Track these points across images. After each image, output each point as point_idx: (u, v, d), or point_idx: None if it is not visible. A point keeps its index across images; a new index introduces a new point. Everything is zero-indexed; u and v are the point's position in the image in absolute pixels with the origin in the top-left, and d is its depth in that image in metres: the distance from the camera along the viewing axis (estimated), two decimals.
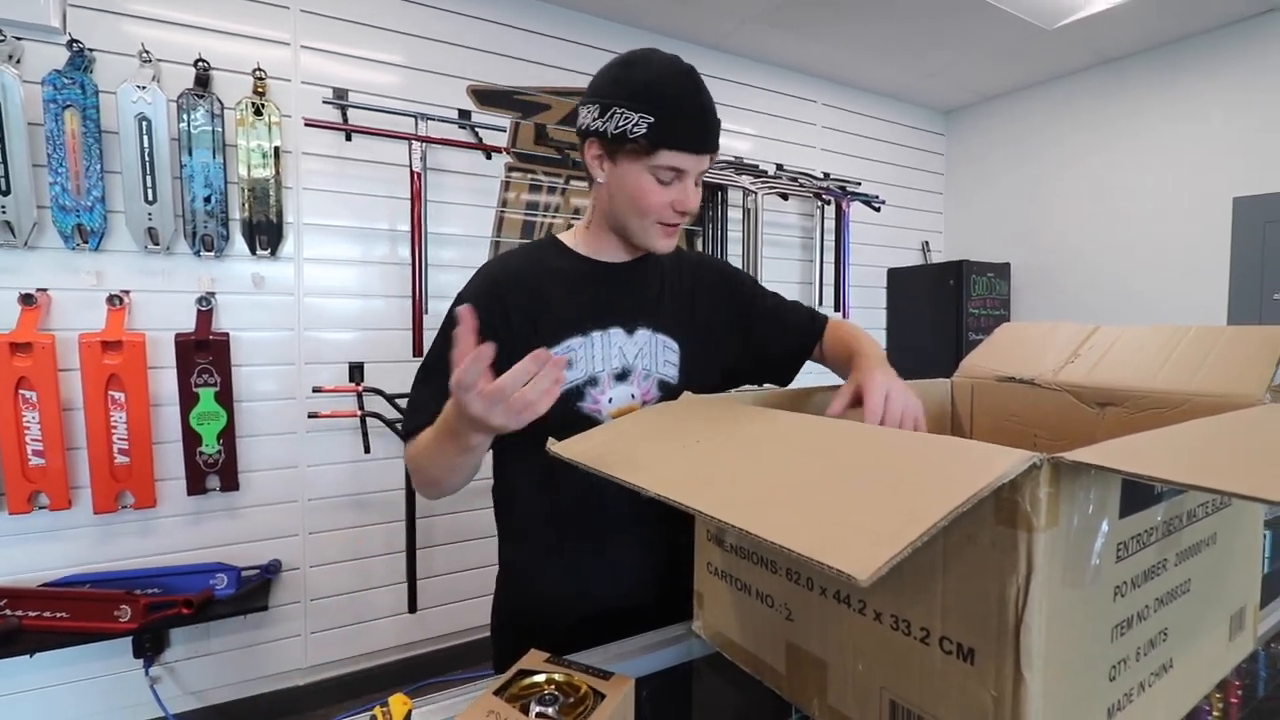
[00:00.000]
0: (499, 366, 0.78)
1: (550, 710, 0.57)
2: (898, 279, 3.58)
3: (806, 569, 0.63)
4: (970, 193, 3.73)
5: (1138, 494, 0.52)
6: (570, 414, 0.91)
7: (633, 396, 0.94)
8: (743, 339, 1.04)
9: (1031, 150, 3.42)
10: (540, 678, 0.62)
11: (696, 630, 0.84)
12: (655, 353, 0.96)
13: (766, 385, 1.10)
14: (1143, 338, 0.94)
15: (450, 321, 0.93)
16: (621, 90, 0.85)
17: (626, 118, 0.83)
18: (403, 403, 2.24)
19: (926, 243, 3.77)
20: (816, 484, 0.50)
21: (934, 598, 0.51)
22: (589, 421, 0.90)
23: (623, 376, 0.94)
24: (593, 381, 0.92)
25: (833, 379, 0.99)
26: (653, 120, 0.83)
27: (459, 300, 0.93)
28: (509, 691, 0.61)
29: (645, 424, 0.78)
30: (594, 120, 0.86)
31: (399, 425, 2.23)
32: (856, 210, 3.30)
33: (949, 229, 3.84)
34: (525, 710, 0.56)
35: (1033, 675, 0.45)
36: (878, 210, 3.36)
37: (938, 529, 0.37)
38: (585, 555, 0.96)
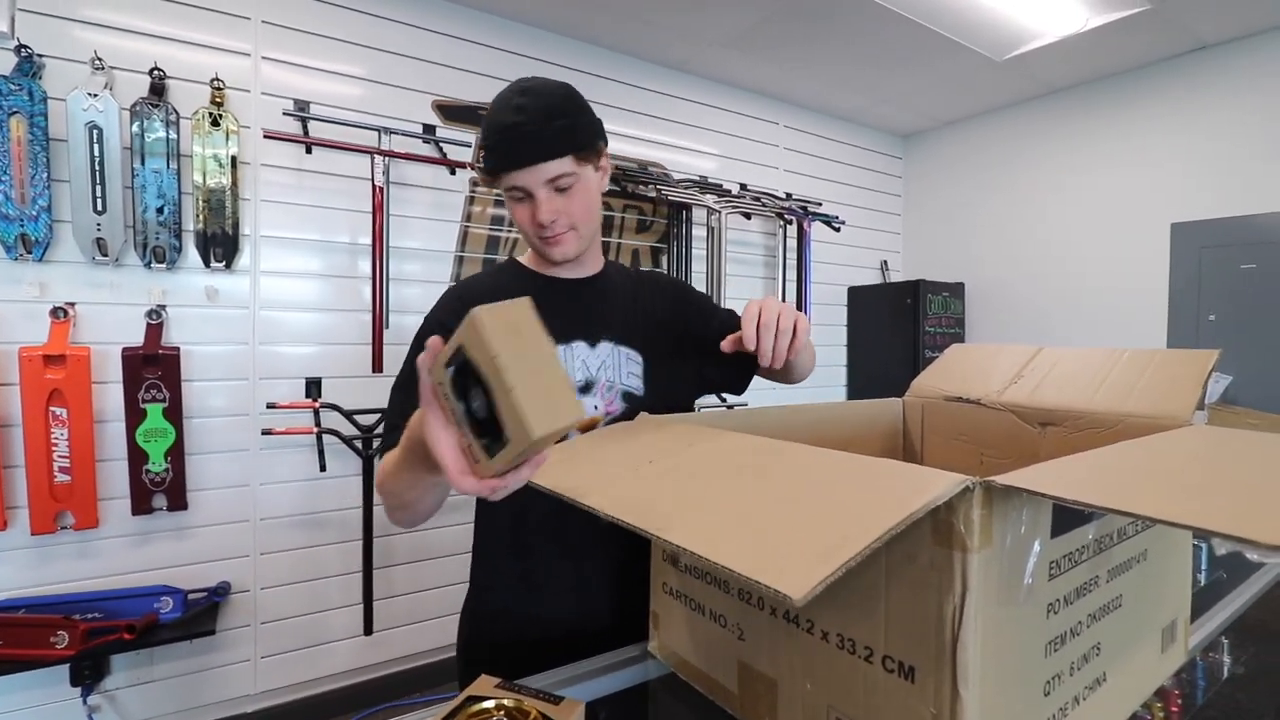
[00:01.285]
0: None
1: None
2: (858, 297, 3.67)
3: (757, 588, 0.64)
4: (926, 214, 3.86)
5: (1069, 513, 0.55)
6: None
7: (595, 408, 0.95)
8: (702, 351, 1.05)
9: (984, 174, 3.55)
10: (490, 704, 0.62)
11: (652, 650, 0.84)
12: (618, 365, 0.97)
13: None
14: (1082, 360, 0.98)
15: (419, 337, 0.93)
16: (481, 129, 0.92)
17: (481, 150, 0.91)
18: (361, 419, 2.20)
19: (885, 262, 3.87)
20: (761, 504, 0.51)
21: (877, 617, 0.52)
22: None
23: (586, 389, 0.94)
24: None
25: (790, 396, 1.01)
26: (484, 150, 0.89)
27: (426, 320, 0.94)
28: (457, 718, 0.60)
29: (599, 445, 0.78)
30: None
31: (357, 442, 2.18)
32: (818, 230, 3.38)
33: (906, 249, 3.96)
34: None
35: (969, 692, 0.47)
36: (838, 230, 3.44)
37: (871, 549, 0.38)
38: (549, 575, 0.96)
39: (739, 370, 1.08)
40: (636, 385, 0.98)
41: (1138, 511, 0.37)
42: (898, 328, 3.38)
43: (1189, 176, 2.84)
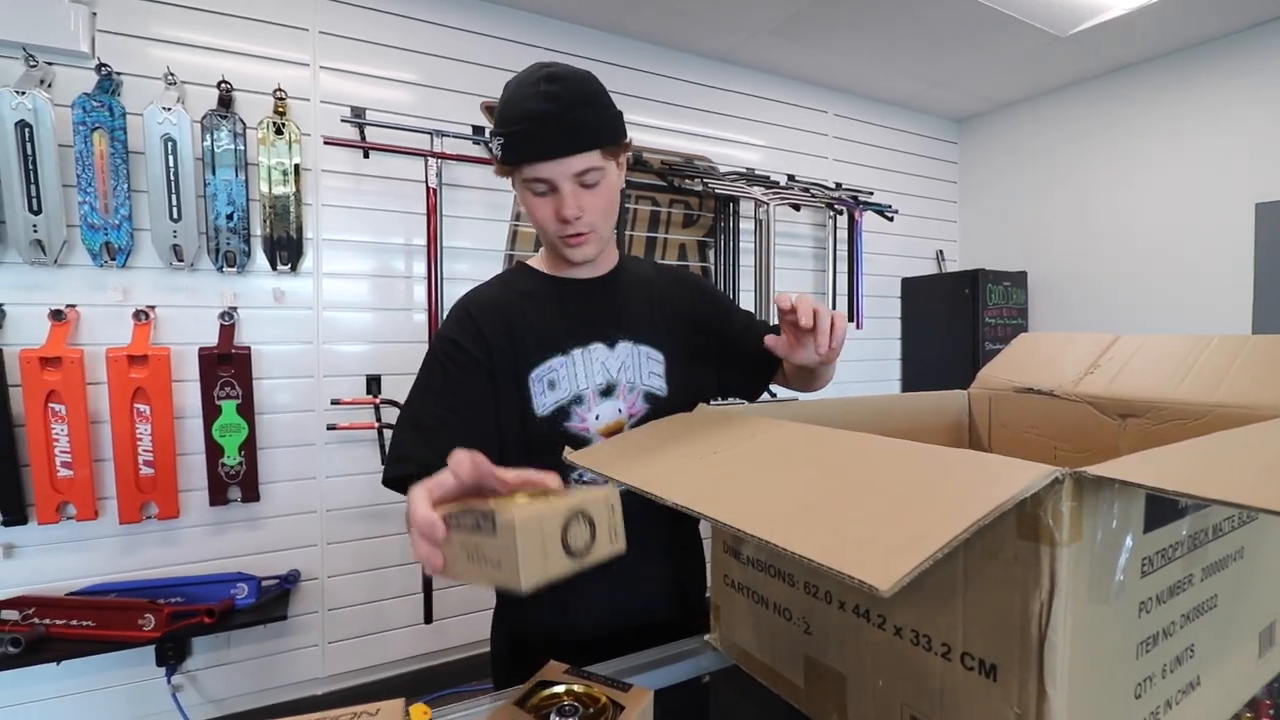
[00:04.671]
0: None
1: None
2: (912, 289, 3.56)
3: (825, 582, 0.63)
4: (985, 201, 3.71)
5: (1162, 508, 0.52)
6: (558, 434, 0.89)
7: (619, 411, 0.93)
8: (722, 350, 1.03)
9: (1047, 158, 3.40)
10: (560, 689, 0.63)
11: (712, 642, 0.84)
12: (639, 365, 0.95)
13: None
14: (1165, 348, 0.93)
15: (426, 364, 0.92)
16: (495, 115, 0.86)
17: (497, 139, 0.84)
18: None
19: (941, 252, 3.75)
20: (835, 495, 0.50)
21: (955, 613, 0.51)
22: (578, 441, 0.89)
23: (608, 392, 0.92)
24: (578, 400, 0.91)
25: (843, 392, 0.99)
26: (503, 140, 0.83)
27: (439, 336, 0.93)
28: (529, 702, 0.61)
29: (660, 435, 0.78)
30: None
31: None
32: (869, 220, 3.30)
33: (964, 238, 3.82)
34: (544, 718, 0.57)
35: (1057, 692, 0.45)
36: (891, 220, 3.35)
37: (959, 542, 0.37)
38: (593, 577, 0.95)
39: (758, 374, 1.04)
40: (659, 385, 0.95)
41: (1251, 503, 0.35)
42: (955, 320, 3.27)
43: (1276, 152, 2.65)
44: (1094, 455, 0.88)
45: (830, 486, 0.52)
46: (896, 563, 0.35)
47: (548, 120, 0.80)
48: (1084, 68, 3.08)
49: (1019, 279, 3.36)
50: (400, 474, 0.82)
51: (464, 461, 0.56)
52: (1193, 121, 2.87)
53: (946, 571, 0.50)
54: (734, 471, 0.59)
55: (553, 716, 0.58)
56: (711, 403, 0.97)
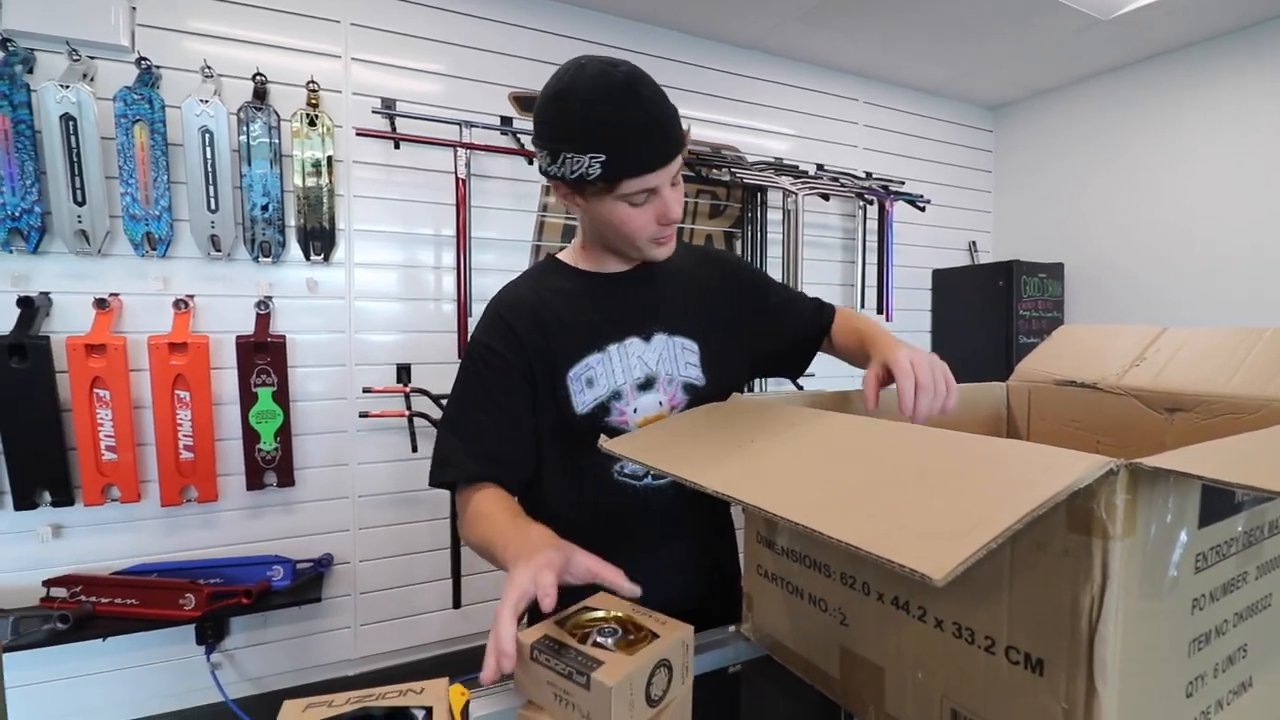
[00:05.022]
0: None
1: (609, 641, 0.58)
2: (943, 280, 3.50)
3: (863, 573, 0.63)
4: (1020, 191, 3.62)
5: (1217, 503, 0.50)
6: (597, 430, 0.89)
7: (660, 404, 0.93)
8: (758, 330, 1.02)
9: (1086, 146, 3.30)
10: (601, 612, 0.65)
11: (745, 632, 0.83)
12: (675, 356, 0.94)
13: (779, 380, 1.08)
14: (1214, 340, 0.90)
15: (464, 370, 0.92)
16: (562, 133, 0.78)
17: (578, 161, 0.77)
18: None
19: (974, 242, 3.67)
20: (881, 484, 0.49)
21: (1000, 606, 0.50)
22: (617, 435, 0.89)
23: (646, 386, 0.92)
24: (616, 395, 0.91)
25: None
26: (604, 158, 0.76)
27: (473, 340, 0.93)
28: (571, 622, 0.63)
29: (697, 424, 0.78)
30: (549, 165, 0.81)
31: None
32: (900, 210, 3.24)
33: (998, 228, 3.74)
34: (584, 640, 0.58)
35: (1107, 688, 0.44)
36: (923, 210, 3.29)
37: (1012, 532, 0.36)
38: (624, 566, 0.95)
39: (801, 350, 1.04)
40: (696, 375, 0.95)
41: None
42: (988, 312, 3.20)
43: None
44: (1138, 450, 0.85)
45: (875, 476, 0.51)
46: (949, 552, 0.35)
47: (655, 129, 0.78)
48: (1128, 52, 2.98)
49: (1055, 270, 3.28)
50: (445, 480, 0.86)
51: (547, 596, 0.59)
52: (1245, 106, 2.76)
53: (992, 564, 0.49)
54: (774, 461, 0.58)
55: (594, 636, 0.59)
56: (746, 389, 0.96)
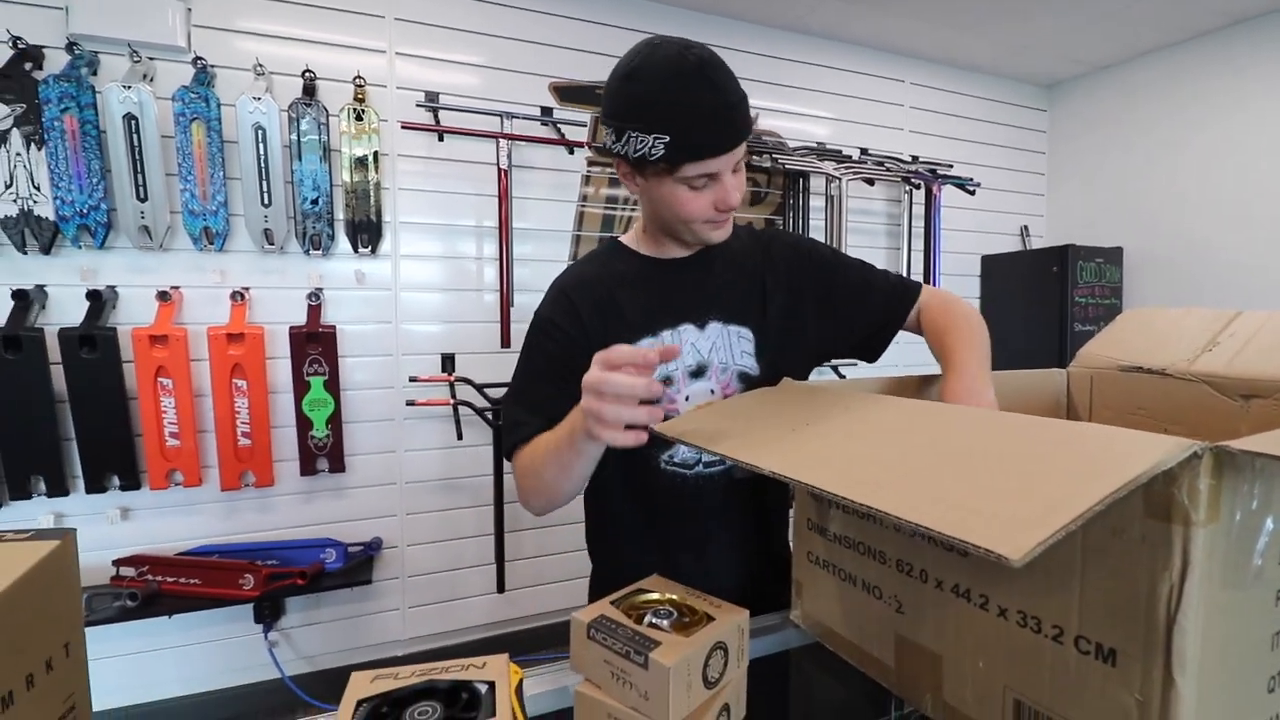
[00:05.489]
0: (581, 366, 0.81)
1: (664, 623, 0.59)
2: (993, 266, 3.38)
3: (920, 559, 0.62)
4: (1076, 173, 3.47)
5: None
6: None
7: (712, 392, 0.93)
8: (824, 315, 0.99)
9: (1149, 124, 3.14)
10: (655, 595, 0.65)
11: (795, 619, 0.83)
12: (730, 344, 0.94)
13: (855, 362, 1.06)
14: None
15: (528, 347, 0.94)
16: (630, 111, 0.79)
17: (642, 140, 0.78)
18: (491, 392, 2.33)
19: (1026, 227, 3.54)
20: (945, 467, 0.48)
21: (1069, 594, 0.48)
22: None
23: (699, 373, 0.92)
24: (667, 381, 0.91)
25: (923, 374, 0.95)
26: (668, 139, 0.77)
27: (537, 315, 0.94)
28: (627, 602, 0.63)
29: (748, 406, 0.77)
30: (613, 143, 0.82)
31: (487, 414, 2.31)
32: (948, 194, 3.15)
33: (1051, 212, 3.60)
34: (639, 621, 0.59)
35: (1185, 680, 0.42)
36: (972, 194, 3.18)
37: (1092, 514, 0.35)
38: (676, 555, 0.96)
39: (875, 337, 1.00)
40: (750, 364, 0.94)
41: None
42: (1041, 299, 3.09)
43: None
44: (1212, 438, 0.81)
45: (939, 458, 0.50)
46: (1026, 534, 0.34)
47: (721, 113, 0.78)
48: (1193, 23, 2.82)
49: (1113, 255, 3.14)
50: (521, 438, 0.86)
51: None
52: None
53: (1063, 551, 0.48)
54: (831, 442, 0.58)
55: (649, 617, 0.60)
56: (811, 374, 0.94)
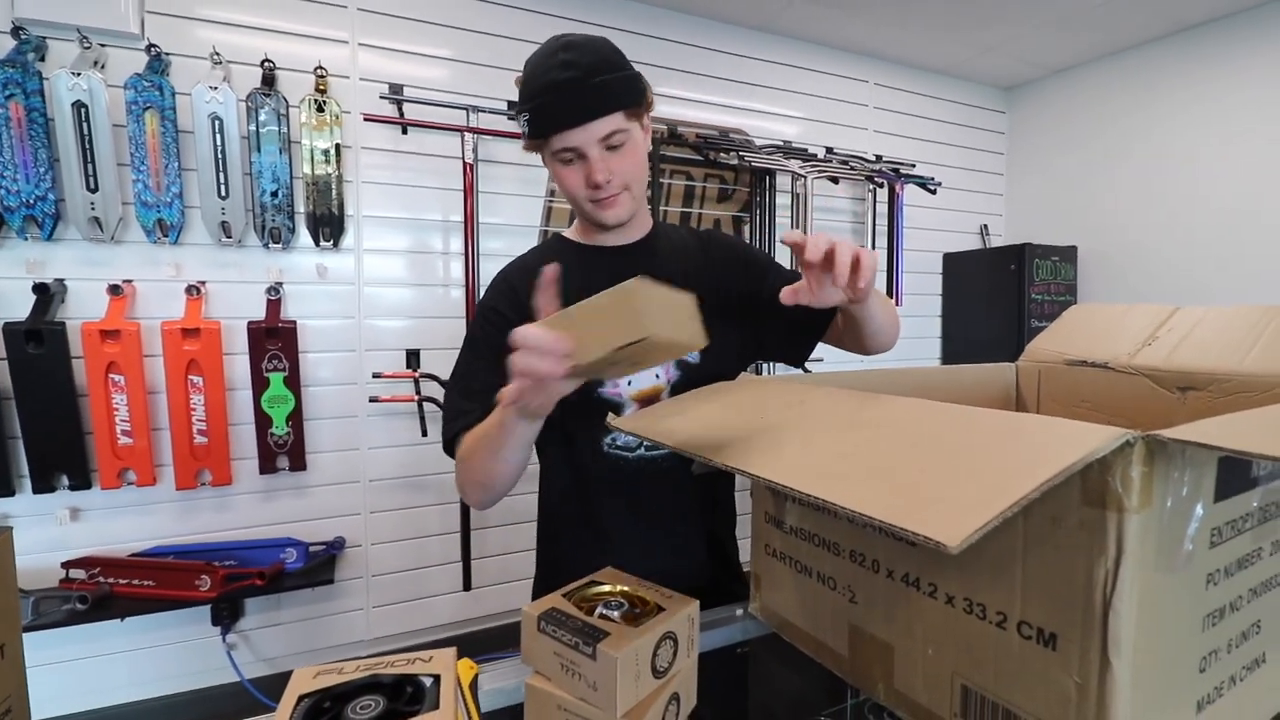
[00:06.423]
0: None
1: (615, 615, 0.59)
2: (954, 264, 3.46)
3: (873, 550, 0.63)
4: (1034, 173, 3.57)
5: (1233, 478, 0.50)
6: (591, 400, 0.92)
7: (656, 377, 0.94)
8: (754, 316, 0.99)
9: (1102, 127, 3.24)
10: (606, 587, 0.66)
11: (753, 611, 0.84)
12: None
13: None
14: (1229, 318, 0.89)
15: (471, 334, 0.96)
16: (519, 93, 0.87)
17: (523, 118, 0.85)
18: None
19: (985, 226, 3.63)
20: (894, 457, 0.49)
21: (1012, 581, 0.50)
22: (610, 405, 0.92)
23: None
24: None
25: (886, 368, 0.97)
26: (528, 114, 0.84)
27: (480, 305, 0.96)
28: (579, 595, 0.63)
29: (702, 401, 0.78)
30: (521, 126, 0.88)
31: None
32: (910, 193, 3.21)
33: (1010, 211, 3.69)
34: (590, 613, 0.59)
35: (1120, 662, 0.44)
36: (933, 193, 3.25)
37: (1028, 501, 0.36)
38: (615, 538, 0.96)
39: (801, 334, 1.00)
40: (692, 354, 0.95)
41: None
42: (999, 296, 3.17)
43: None
44: (1151, 429, 0.84)
45: (888, 449, 0.51)
46: (964, 521, 0.35)
47: (569, 88, 0.81)
48: (1147, 28, 2.92)
49: (1068, 254, 3.24)
50: (461, 428, 0.87)
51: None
52: (1266, 85, 2.70)
53: (1005, 539, 0.49)
54: (785, 435, 0.58)
55: (600, 609, 0.60)
56: (751, 371, 0.96)
